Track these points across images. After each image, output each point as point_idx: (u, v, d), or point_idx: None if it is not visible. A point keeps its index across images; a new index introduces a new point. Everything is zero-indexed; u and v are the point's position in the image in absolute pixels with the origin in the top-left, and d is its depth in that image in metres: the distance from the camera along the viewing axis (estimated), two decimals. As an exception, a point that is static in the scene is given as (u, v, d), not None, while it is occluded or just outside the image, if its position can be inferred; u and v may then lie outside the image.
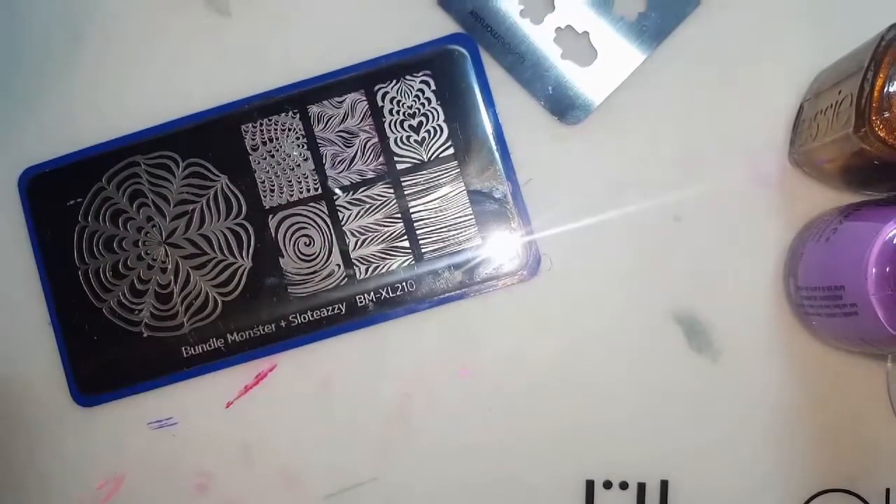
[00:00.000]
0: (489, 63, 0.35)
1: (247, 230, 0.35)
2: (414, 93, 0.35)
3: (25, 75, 0.36)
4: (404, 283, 0.35)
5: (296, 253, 0.35)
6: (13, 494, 0.36)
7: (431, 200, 0.35)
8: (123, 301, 0.35)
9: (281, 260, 0.35)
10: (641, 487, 0.35)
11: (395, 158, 0.35)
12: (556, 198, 0.35)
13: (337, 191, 0.35)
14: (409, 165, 0.35)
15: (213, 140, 0.35)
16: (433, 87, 0.35)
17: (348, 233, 0.35)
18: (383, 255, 0.35)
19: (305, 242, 0.35)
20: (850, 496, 0.34)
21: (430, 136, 0.35)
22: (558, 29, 0.35)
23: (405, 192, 0.35)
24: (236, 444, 0.36)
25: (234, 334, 0.35)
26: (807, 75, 0.34)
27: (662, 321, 0.35)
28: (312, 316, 0.35)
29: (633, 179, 0.35)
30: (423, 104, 0.35)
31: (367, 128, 0.35)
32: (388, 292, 0.35)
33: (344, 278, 0.35)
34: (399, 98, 0.35)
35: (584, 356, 0.35)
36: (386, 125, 0.35)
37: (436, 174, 0.35)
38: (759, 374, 0.35)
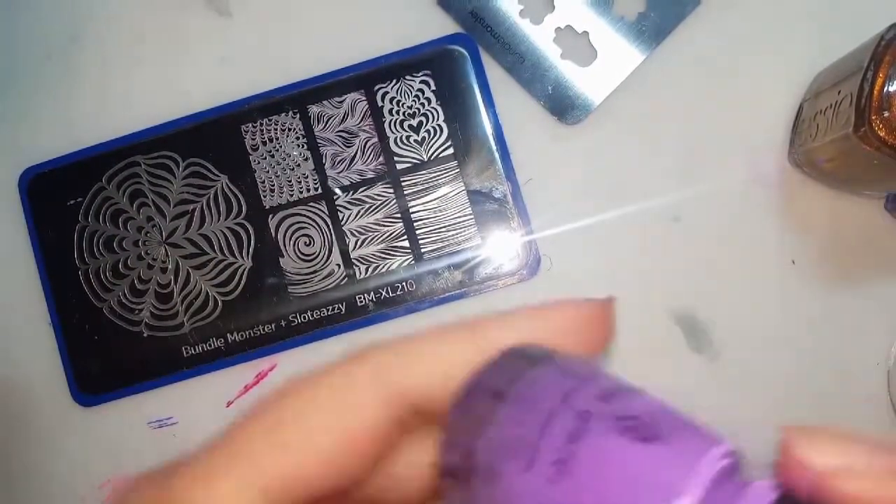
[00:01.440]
0: (489, 63, 0.35)
1: (247, 230, 0.35)
2: (414, 93, 0.35)
3: (25, 75, 0.36)
4: (404, 283, 0.35)
5: (296, 253, 0.35)
6: (13, 494, 0.36)
7: (431, 200, 0.35)
8: (123, 301, 0.35)
9: (281, 260, 0.35)
10: (641, 487, 0.35)
11: (395, 158, 0.35)
12: (555, 198, 0.35)
13: (337, 191, 0.35)
14: (408, 165, 0.35)
15: (214, 140, 0.35)
16: (433, 87, 0.35)
17: (348, 233, 0.35)
18: (383, 255, 0.35)
19: (305, 242, 0.35)
20: (849, 496, 0.34)
21: (429, 136, 0.35)
22: (558, 29, 0.35)
23: (405, 192, 0.35)
24: (236, 443, 0.36)
25: (235, 334, 0.35)
26: (806, 75, 0.34)
27: (662, 321, 0.35)
28: (312, 316, 0.35)
29: (633, 179, 0.35)
30: (422, 104, 0.35)
31: (367, 128, 0.35)
32: (388, 292, 0.35)
33: (344, 278, 0.35)
34: (399, 98, 0.35)
35: (583, 356, 0.35)
36: (386, 125, 0.35)
37: (435, 174, 0.35)
38: (758, 374, 0.35)
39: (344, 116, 0.35)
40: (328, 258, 0.35)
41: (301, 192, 0.35)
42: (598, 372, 0.18)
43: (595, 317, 0.22)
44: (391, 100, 0.35)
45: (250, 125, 0.35)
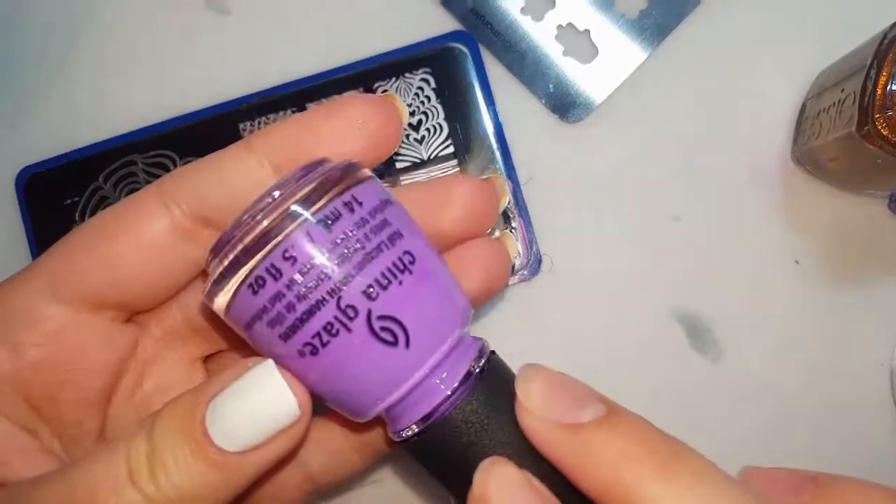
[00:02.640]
0: (489, 61, 0.35)
1: (245, 229, 0.35)
2: (414, 90, 0.35)
3: (23, 74, 0.36)
4: (404, 283, 0.35)
5: (295, 252, 0.35)
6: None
7: (431, 199, 0.35)
8: (121, 301, 0.35)
9: (280, 259, 0.35)
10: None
11: (395, 157, 0.35)
12: (556, 197, 0.35)
13: (336, 190, 0.35)
14: (408, 164, 0.35)
15: (212, 139, 0.35)
16: (433, 85, 0.35)
17: (347, 232, 0.35)
18: (383, 255, 0.35)
19: (304, 242, 0.35)
20: (852, 496, 0.34)
21: (429, 135, 0.35)
22: (559, 26, 0.35)
23: (405, 191, 0.35)
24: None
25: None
26: (808, 73, 0.34)
27: (663, 321, 0.35)
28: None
29: (634, 178, 0.35)
30: (422, 102, 0.35)
31: (366, 126, 0.35)
32: (387, 292, 0.35)
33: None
34: (398, 96, 0.35)
35: (584, 356, 0.35)
36: (385, 124, 0.35)
37: (435, 173, 0.35)
38: (760, 375, 0.35)
39: (343, 115, 0.35)
40: (327, 258, 0.35)
41: (300, 192, 0.35)
42: (381, 241, 0.20)
43: (377, 110, 0.23)
44: (391, 98, 0.35)
45: (248, 124, 0.35)
